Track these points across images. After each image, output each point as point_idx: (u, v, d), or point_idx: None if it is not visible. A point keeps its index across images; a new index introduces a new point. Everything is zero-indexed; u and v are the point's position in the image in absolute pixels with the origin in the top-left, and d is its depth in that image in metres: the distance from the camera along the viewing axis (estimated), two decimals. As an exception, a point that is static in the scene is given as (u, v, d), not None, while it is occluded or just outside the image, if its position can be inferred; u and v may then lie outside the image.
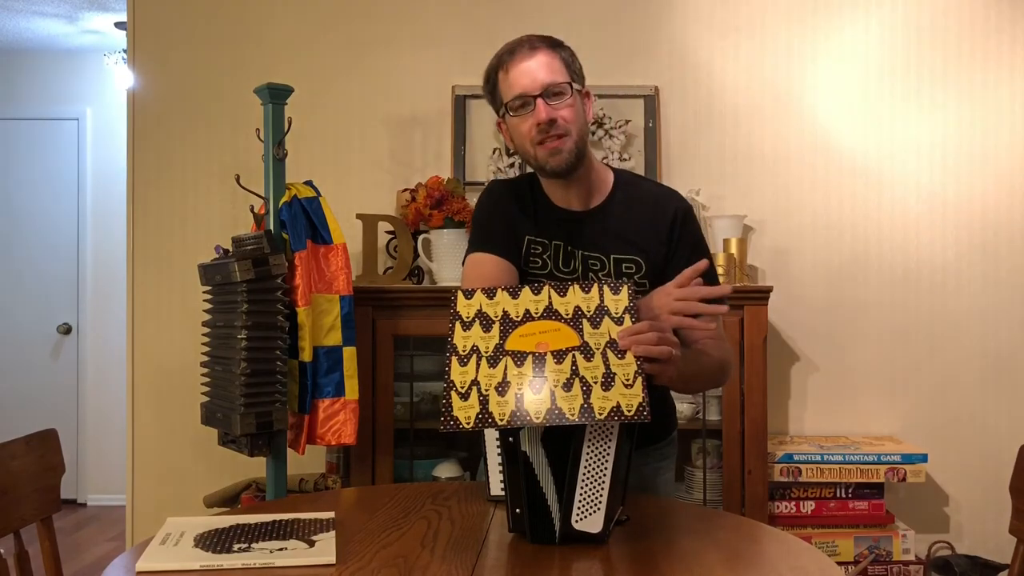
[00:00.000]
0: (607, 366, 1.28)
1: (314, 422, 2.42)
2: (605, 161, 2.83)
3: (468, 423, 1.23)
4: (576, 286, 1.39)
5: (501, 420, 1.23)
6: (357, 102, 3.05)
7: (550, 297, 1.38)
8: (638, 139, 3.00)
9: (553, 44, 1.69)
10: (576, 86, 1.68)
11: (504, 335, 1.33)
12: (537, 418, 1.23)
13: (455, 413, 1.24)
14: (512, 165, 2.98)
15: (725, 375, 1.76)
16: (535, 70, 1.64)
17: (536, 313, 1.36)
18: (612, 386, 1.25)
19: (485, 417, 1.23)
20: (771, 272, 3.01)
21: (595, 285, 1.40)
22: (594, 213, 1.74)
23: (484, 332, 1.34)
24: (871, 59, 3.01)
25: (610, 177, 1.78)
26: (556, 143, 1.64)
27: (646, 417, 1.22)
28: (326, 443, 2.43)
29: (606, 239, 1.72)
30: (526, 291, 1.39)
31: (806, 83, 3.02)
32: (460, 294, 1.40)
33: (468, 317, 1.36)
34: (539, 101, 1.63)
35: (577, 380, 1.26)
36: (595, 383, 1.26)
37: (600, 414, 1.22)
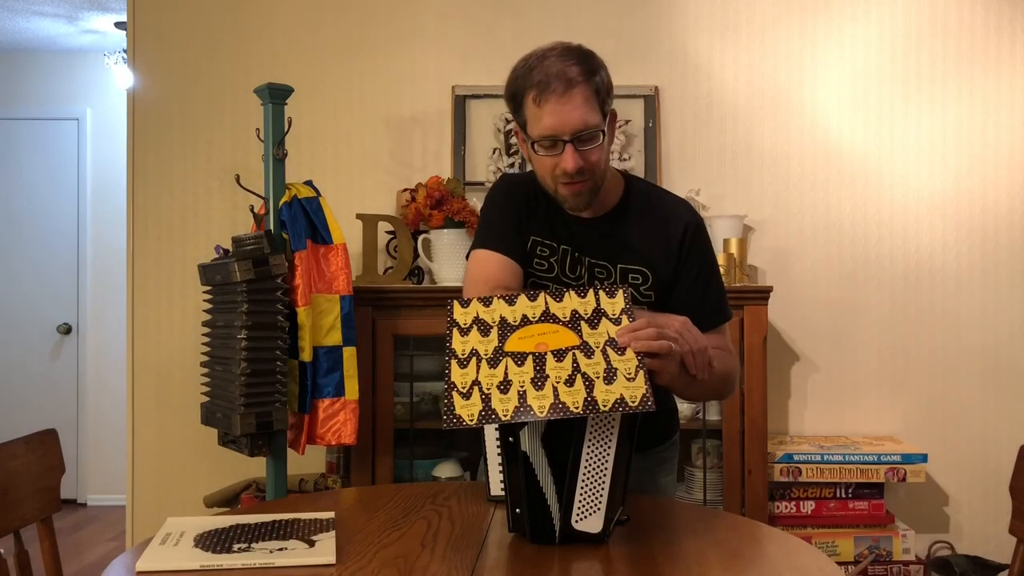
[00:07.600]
0: (608, 362, 1.28)
1: (314, 422, 2.42)
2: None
3: (472, 420, 1.22)
4: (572, 292, 1.40)
5: (505, 416, 1.22)
6: (357, 102, 3.05)
7: (547, 302, 1.38)
8: (638, 139, 3.00)
9: (589, 72, 1.55)
10: (605, 124, 1.60)
11: (503, 338, 1.33)
12: (541, 412, 1.22)
13: (458, 411, 1.23)
14: (512, 165, 2.98)
15: (729, 388, 1.72)
16: (569, 113, 1.53)
17: (533, 318, 1.36)
18: (615, 380, 1.25)
19: (489, 413, 1.23)
20: (771, 272, 3.01)
21: (591, 290, 1.40)
22: (603, 220, 1.70)
23: (482, 336, 1.34)
24: (871, 59, 3.01)
25: (621, 183, 1.74)
26: (579, 187, 1.61)
27: (651, 407, 1.22)
28: (326, 443, 2.43)
29: (613, 248, 1.69)
30: (522, 298, 1.39)
31: (806, 83, 3.02)
32: (456, 303, 1.40)
33: (465, 324, 1.36)
34: (569, 148, 1.55)
35: (579, 376, 1.26)
36: (597, 378, 1.26)
37: (604, 406, 1.22)
